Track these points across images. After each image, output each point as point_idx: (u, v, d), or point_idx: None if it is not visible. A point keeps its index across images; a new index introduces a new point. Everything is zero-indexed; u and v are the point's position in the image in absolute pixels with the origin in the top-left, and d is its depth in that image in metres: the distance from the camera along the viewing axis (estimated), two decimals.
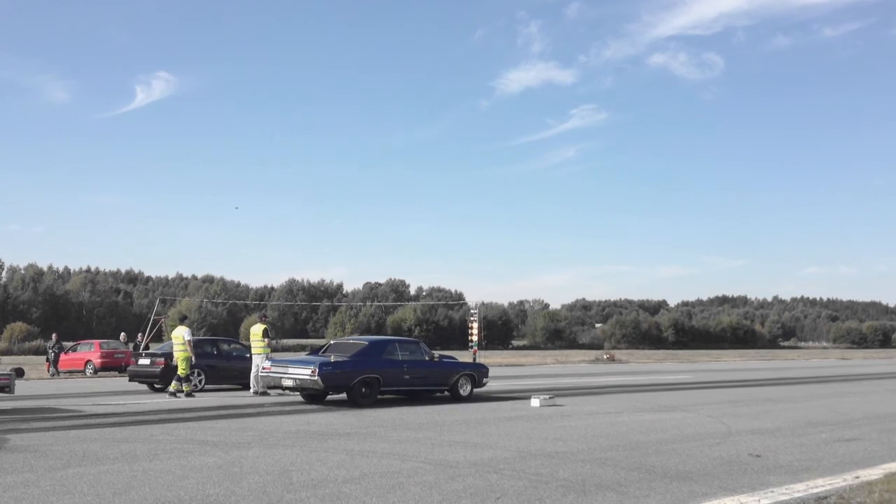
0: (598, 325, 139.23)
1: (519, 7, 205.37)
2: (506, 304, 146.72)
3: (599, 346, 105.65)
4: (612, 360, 51.89)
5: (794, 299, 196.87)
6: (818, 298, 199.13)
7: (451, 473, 9.35)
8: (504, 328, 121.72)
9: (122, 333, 41.48)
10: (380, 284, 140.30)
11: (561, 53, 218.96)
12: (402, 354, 19.31)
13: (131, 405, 18.22)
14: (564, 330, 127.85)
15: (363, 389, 18.09)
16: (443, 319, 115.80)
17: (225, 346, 24.60)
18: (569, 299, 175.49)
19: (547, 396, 18.96)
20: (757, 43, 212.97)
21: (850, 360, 62.08)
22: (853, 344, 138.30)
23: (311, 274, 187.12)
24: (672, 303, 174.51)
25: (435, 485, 8.66)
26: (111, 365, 34.73)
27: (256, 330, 21.65)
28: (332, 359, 18.09)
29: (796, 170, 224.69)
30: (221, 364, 23.21)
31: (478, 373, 20.87)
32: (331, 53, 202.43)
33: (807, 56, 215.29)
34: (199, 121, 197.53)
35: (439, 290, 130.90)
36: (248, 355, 22.55)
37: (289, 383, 18.13)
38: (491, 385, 24.74)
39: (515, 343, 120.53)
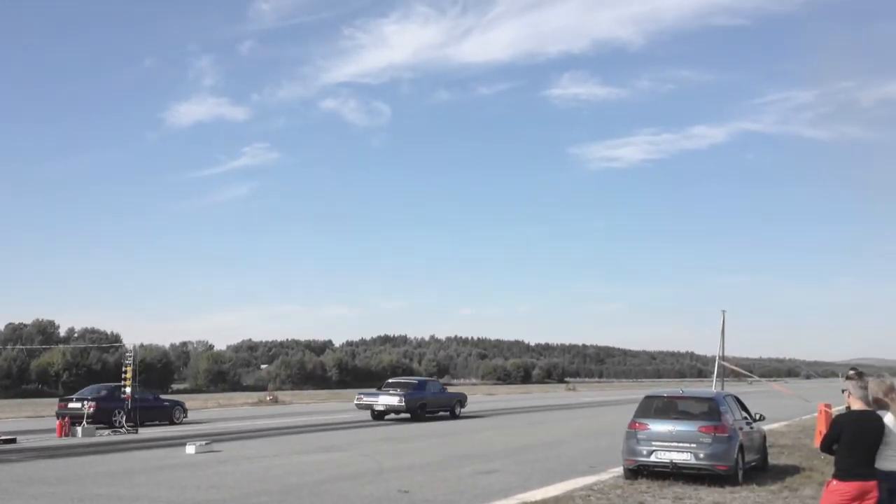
0: (263, 367, 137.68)
1: (190, 40, 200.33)
2: (167, 346, 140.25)
3: (264, 388, 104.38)
4: (275, 401, 51.45)
5: (449, 338, 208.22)
6: (470, 337, 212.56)
7: None
8: (164, 370, 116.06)
9: None
10: (25, 325, 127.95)
11: (233, 90, 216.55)
12: (433, 388, 31.50)
13: None
14: (229, 372, 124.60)
15: (419, 410, 29.09)
16: (96, 363, 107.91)
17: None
18: (235, 340, 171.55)
19: (203, 442, 18.39)
20: (421, 95, 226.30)
21: (494, 396, 66.82)
22: (499, 380, 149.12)
23: None
24: (337, 342, 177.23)
25: None
26: None
27: None
28: (402, 391, 29.05)
29: (454, 217, 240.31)
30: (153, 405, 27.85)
31: (463, 398, 33.00)
32: None
33: (465, 110, 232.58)
34: None
35: (94, 331, 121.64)
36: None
37: (380, 408, 29.15)
38: (143, 432, 23.58)
39: (176, 386, 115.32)
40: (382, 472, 14.13)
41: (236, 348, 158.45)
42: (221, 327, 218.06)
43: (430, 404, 29.78)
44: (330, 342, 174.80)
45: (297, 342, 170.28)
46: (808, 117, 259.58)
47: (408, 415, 29.00)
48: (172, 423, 27.82)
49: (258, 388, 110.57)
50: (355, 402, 30.31)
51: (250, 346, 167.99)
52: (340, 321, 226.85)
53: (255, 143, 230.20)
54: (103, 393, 26.71)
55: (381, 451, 17.87)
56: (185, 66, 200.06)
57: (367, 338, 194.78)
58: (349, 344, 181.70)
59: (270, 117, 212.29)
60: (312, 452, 17.91)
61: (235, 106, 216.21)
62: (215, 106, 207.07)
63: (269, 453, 17.77)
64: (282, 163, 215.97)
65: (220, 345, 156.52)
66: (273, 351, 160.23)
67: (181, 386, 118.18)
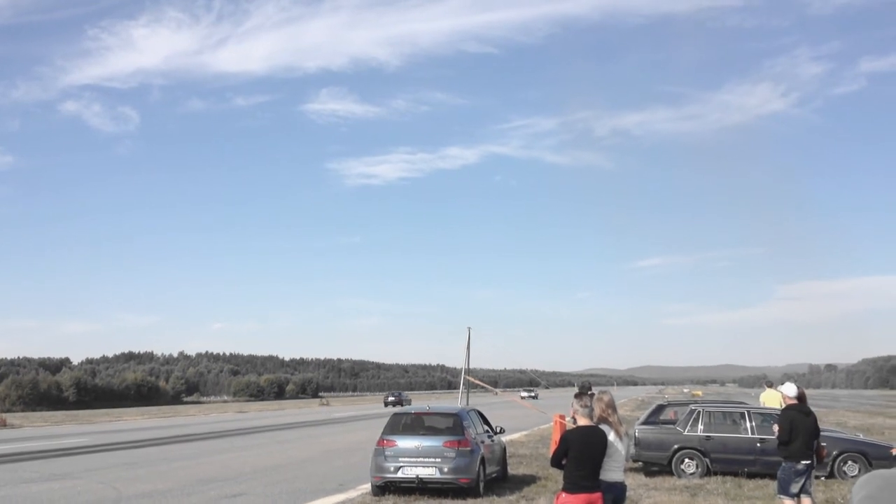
0: None
1: None
2: None
3: None
4: (3, 424, 47.45)
5: (199, 354, 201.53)
6: (222, 353, 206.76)
7: None
8: None
9: None
10: None
11: None
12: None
13: None
14: None
15: None
16: None
17: None
18: None
19: None
20: (173, 103, 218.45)
21: (246, 413, 65.29)
22: (252, 397, 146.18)
23: None
24: (76, 360, 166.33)
25: None
26: None
27: None
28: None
29: (207, 229, 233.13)
30: None
31: None
32: None
33: (221, 121, 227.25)
34: None
35: None
36: None
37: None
38: None
39: None
40: (121, 500, 13.46)
41: None
42: None
43: None
44: (67, 360, 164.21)
45: (30, 360, 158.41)
46: (550, 143, 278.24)
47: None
48: None
49: None
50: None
51: None
52: (79, 337, 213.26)
53: None
54: None
55: (121, 478, 16.97)
56: None
57: (110, 355, 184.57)
58: (89, 362, 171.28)
59: (4, 119, 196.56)
60: (45, 481, 16.69)
61: None
62: None
63: None
64: (18, 167, 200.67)
65: None
66: (2, 370, 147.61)
67: None
